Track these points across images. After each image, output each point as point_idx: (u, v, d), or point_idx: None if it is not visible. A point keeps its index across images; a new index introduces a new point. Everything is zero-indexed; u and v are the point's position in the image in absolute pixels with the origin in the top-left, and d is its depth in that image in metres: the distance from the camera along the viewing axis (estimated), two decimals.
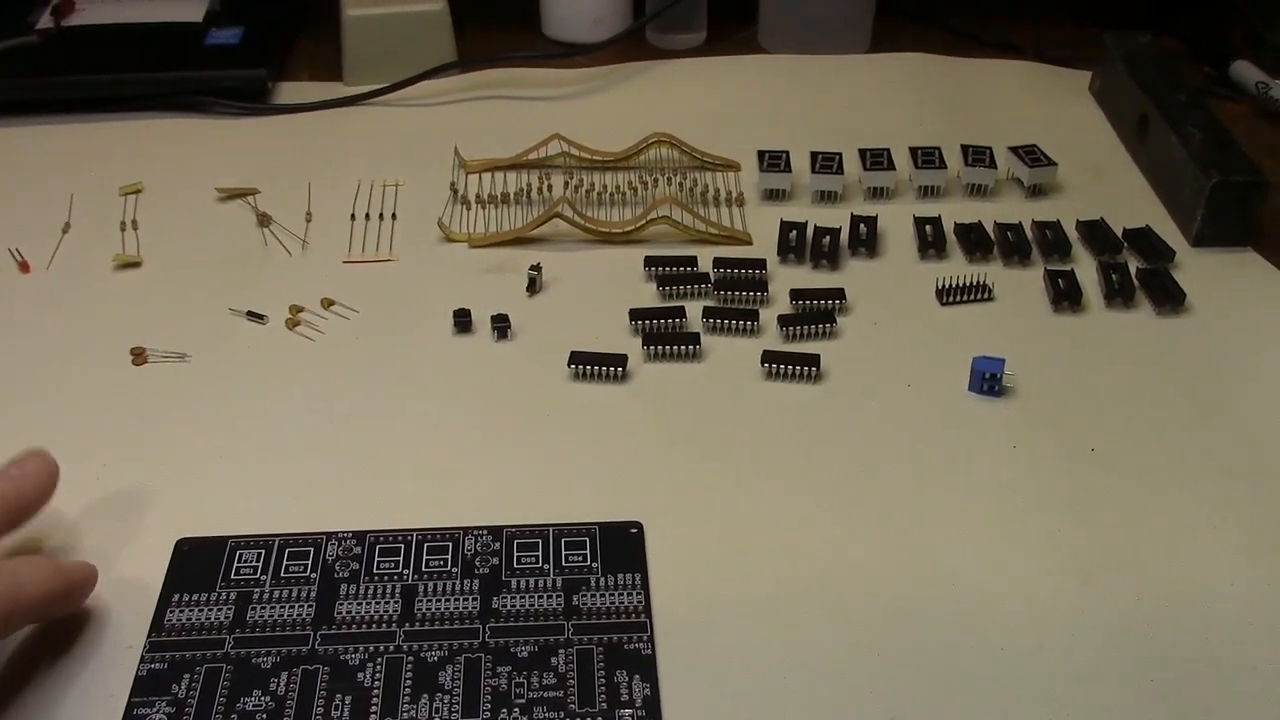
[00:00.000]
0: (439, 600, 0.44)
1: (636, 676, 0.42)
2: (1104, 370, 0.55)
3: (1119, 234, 0.63)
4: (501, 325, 0.57)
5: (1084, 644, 0.43)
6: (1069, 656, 0.43)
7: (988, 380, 0.54)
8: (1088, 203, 0.67)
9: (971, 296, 0.60)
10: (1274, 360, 0.56)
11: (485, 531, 0.47)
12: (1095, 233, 0.64)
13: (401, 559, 0.46)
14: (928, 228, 0.64)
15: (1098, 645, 0.43)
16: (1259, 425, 0.52)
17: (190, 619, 0.44)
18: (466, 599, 0.44)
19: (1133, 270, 0.61)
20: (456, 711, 0.40)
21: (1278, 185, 0.63)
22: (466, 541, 0.47)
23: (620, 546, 0.46)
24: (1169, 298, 0.59)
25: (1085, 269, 0.62)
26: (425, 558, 0.46)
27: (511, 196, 0.67)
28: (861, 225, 0.64)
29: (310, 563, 0.46)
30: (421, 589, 0.45)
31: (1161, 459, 0.51)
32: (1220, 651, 0.43)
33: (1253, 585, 0.45)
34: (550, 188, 0.68)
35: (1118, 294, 0.59)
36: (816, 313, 0.58)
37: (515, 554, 0.46)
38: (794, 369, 0.55)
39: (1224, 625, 0.44)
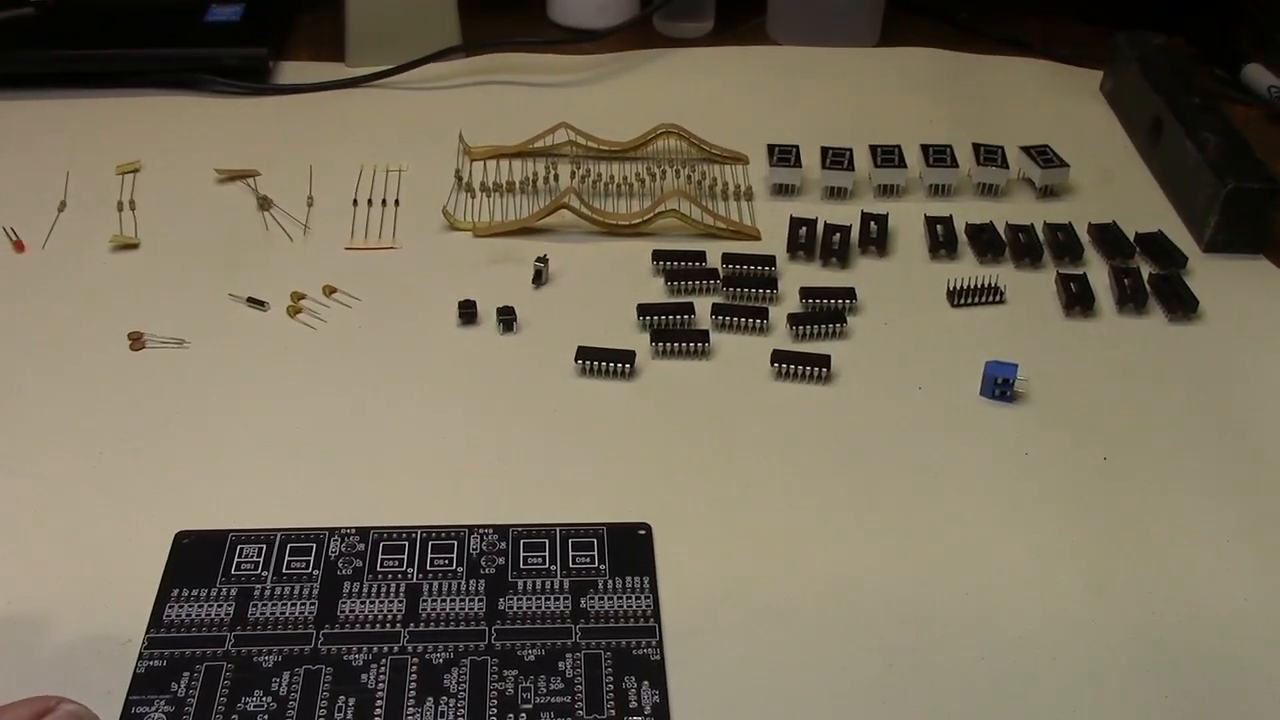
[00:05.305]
0: (444, 600, 0.43)
1: (646, 683, 0.41)
2: (1117, 377, 0.55)
3: (1131, 238, 0.63)
4: (507, 318, 0.56)
5: (1098, 655, 0.43)
6: (1082, 668, 0.42)
7: (1000, 385, 0.53)
8: (1099, 205, 0.66)
9: (982, 299, 0.59)
10: None
11: (491, 530, 0.46)
12: (1107, 236, 0.63)
13: (406, 557, 0.45)
14: (939, 227, 0.63)
15: (1111, 657, 0.42)
16: (1273, 434, 0.52)
17: (190, 615, 0.43)
18: (472, 599, 0.44)
19: (1145, 275, 0.60)
20: (462, 715, 0.40)
21: None
22: (472, 540, 0.46)
23: (628, 548, 0.46)
24: (1181, 304, 0.58)
25: (1097, 272, 0.61)
26: (430, 556, 0.45)
27: (517, 185, 0.66)
28: (872, 223, 0.63)
29: (313, 559, 0.45)
30: (426, 588, 0.44)
31: (1174, 468, 0.50)
32: (1235, 665, 0.42)
33: (1266, 597, 0.45)
34: (556, 177, 0.67)
35: (1130, 299, 0.58)
36: (827, 312, 0.57)
37: (521, 554, 0.45)
38: (804, 369, 0.54)
39: (1239, 638, 0.43)
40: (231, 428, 0.51)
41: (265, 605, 0.43)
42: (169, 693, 0.40)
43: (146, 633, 0.42)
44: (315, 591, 0.44)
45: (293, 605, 0.43)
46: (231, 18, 0.78)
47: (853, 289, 0.58)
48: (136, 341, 0.55)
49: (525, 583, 0.44)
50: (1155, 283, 0.60)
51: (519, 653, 0.42)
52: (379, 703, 0.40)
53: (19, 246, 0.61)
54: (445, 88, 0.76)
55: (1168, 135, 0.68)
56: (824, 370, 0.54)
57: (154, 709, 0.39)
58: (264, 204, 0.64)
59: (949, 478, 0.49)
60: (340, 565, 0.45)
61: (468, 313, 0.57)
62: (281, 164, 0.68)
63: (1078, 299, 0.58)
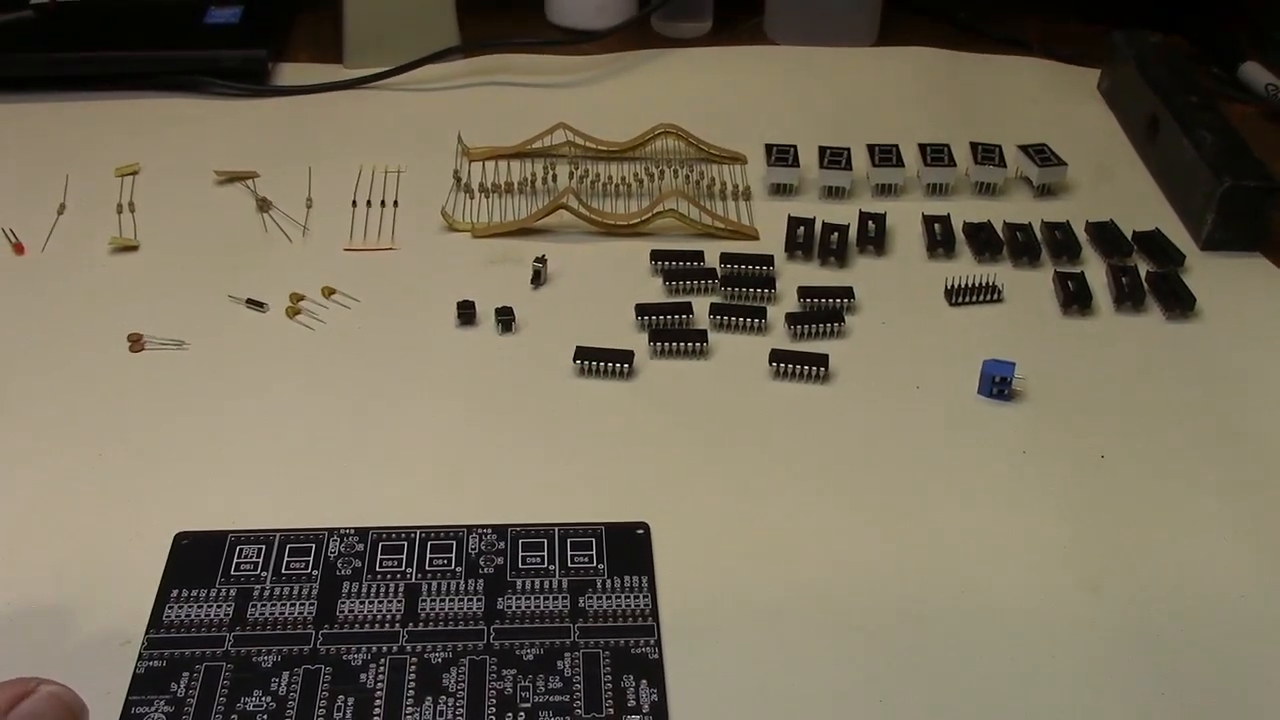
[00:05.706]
0: (443, 600, 0.44)
1: (644, 681, 0.41)
2: (1114, 375, 0.55)
3: (1129, 236, 0.63)
4: (506, 318, 0.56)
5: (1094, 653, 0.43)
6: (1078, 665, 0.42)
7: (997, 384, 0.53)
8: (1097, 203, 0.66)
9: (980, 297, 0.59)
10: None
11: (490, 530, 0.46)
12: (1105, 234, 0.63)
13: (404, 557, 0.45)
14: (936, 226, 0.63)
15: (1107, 654, 0.43)
16: (1270, 432, 0.52)
17: (189, 615, 0.43)
18: (471, 599, 0.44)
19: (1142, 273, 0.60)
20: (461, 715, 0.40)
21: None
22: (471, 540, 0.46)
23: (627, 548, 0.46)
24: (1179, 302, 0.58)
25: (1094, 271, 0.61)
26: (429, 556, 0.45)
27: (515, 186, 0.66)
28: (870, 222, 0.63)
29: (312, 559, 0.45)
30: (425, 588, 0.44)
31: (1171, 466, 0.50)
32: (1231, 662, 0.42)
33: (1264, 594, 0.45)
34: (555, 177, 0.67)
35: (1127, 297, 0.59)
36: (825, 311, 0.57)
37: (520, 554, 0.45)
38: (802, 369, 0.54)
39: (1235, 635, 0.43)
40: (230, 429, 0.51)
41: (264, 605, 0.43)
42: (168, 693, 0.40)
43: (146, 633, 0.42)
44: (314, 592, 0.44)
45: (292, 605, 0.43)
46: (230, 19, 0.78)
47: (851, 288, 0.59)
48: (136, 343, 0.55)
49: (524, 582, 0.44)
50: (1153, 281, 0.60)
51: (518, 652, 0.42)
52: (378, 702, 0.40)
53: (19, 249, 0.61)
54: (444, 89, 0.77)
55: (1165, 133, 0.68)
56: (822, 369, 0.54)
57: (154, 709, 0.40)
58: (263, 205, 0.65)
59: (947, 476, 0.50)
60: (339, 565, 0.45)
61: (466, 313, 0.57)
62: (280, 165, 0.68)
63: (1075, 297, 0.59)
